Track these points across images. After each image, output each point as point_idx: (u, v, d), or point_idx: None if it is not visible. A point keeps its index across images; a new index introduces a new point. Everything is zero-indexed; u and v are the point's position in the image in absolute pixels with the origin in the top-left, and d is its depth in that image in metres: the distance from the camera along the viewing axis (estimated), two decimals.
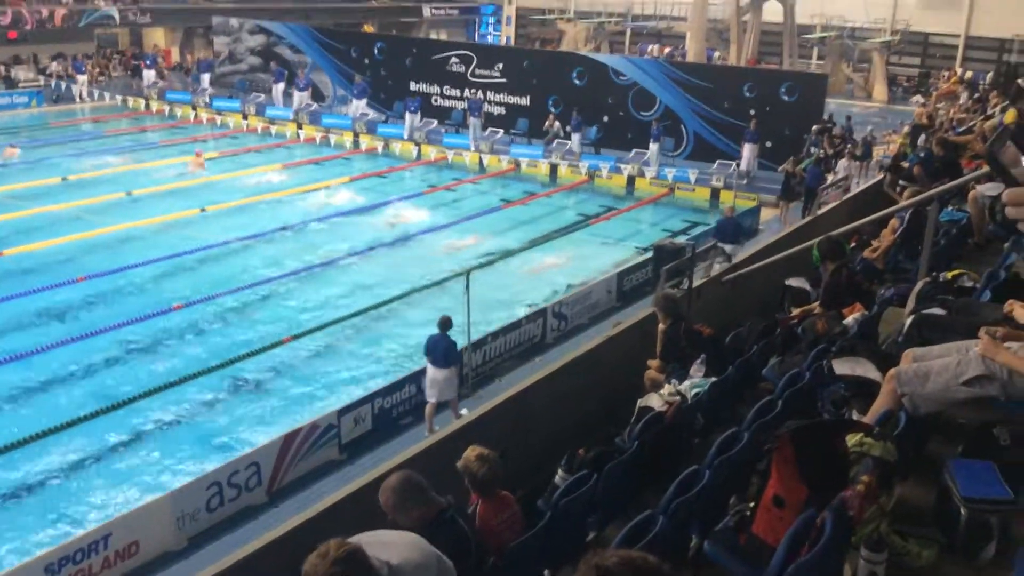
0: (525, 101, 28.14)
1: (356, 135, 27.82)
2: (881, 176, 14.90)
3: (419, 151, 26.62)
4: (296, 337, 13.47)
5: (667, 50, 45.47)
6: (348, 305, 14.86)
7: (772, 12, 39.27)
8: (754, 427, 4.93)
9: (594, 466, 5.23)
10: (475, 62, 28.83)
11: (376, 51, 30.91)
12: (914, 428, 4.33)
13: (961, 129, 17.30)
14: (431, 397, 10.83)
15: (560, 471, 5.58)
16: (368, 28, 44.10)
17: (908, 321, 5.32)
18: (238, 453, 9.81)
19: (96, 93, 31.70)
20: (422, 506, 3.98)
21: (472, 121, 27.03)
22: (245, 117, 29.47)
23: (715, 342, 7.51)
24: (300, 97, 29.77)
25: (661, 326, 7.60)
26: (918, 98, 37.99)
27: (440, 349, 10.66)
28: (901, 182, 11.99)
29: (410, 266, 16.95)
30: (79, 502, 9.53)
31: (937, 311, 5.32)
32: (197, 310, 14.41)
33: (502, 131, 27.63)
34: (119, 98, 31.40)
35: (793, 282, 8.77)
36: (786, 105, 24.53)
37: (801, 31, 40.46)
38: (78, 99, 31.49)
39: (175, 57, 38.90)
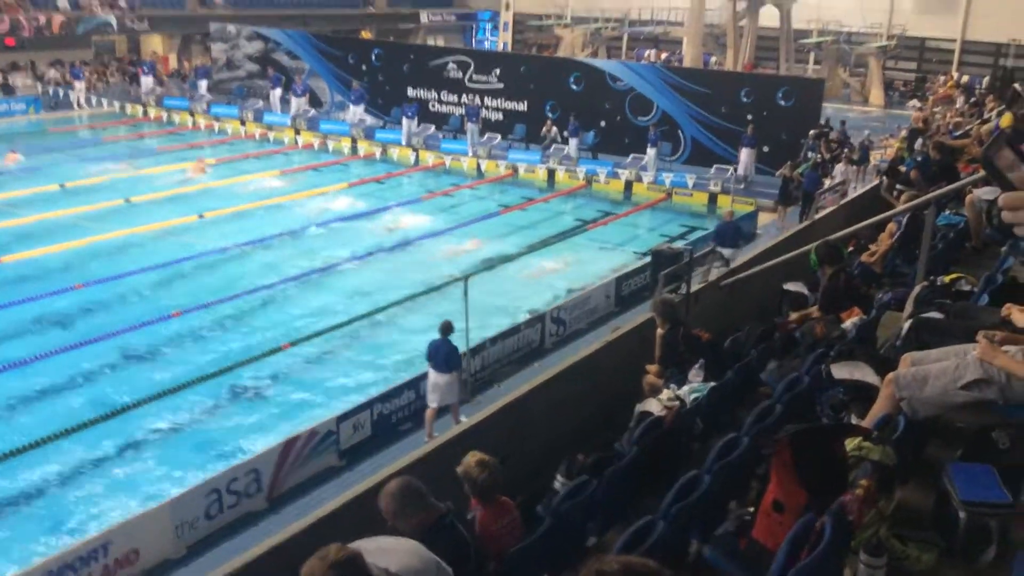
0: (522, 106, 28.18)
1: (354, 141, 27.83)
2: (878, 180, 14.93)
3: (417, 157, 26.65)
4: (295, 343, 13.46)
5: (664, 55, 45.57)
6: (347, 311, 14.86)
7: (769, 17, 39.37)
8: (753, 431, 4.93)
9: (593, 471, 5.23)
10: (472, 68, 28.88)
11: (373, 57, 30.97)
12: (913, 432, 4.34)
13: (958, 133, 17.34)
14: (432, 402, 10.83)
15: (559, 476, 5.58)
16: (366, 34, 44.20)
17: (906, 325, 5.33)
18: (237, 460, 9.80)
19: (94, 100, 31.73)
20: (422, 512, 3.98)
21: (470, 127, 27.07)
22: (243, 123, 29.51)
23: (714, 347, 7.52)
24: (298, 103, 29.81)
25: (659, 331, 7.61)
26: (915, 102, 38.10)
27: (442, 354, 10.68)
28: (898, 186, 12.01)
29: (409, 272, 16.95)
30: (78, 510, 9.50)
31: (935, 315, 5.32)
32: (196, 317, 14.40)
33: (500, 136, 27.66)
34: (117, 105, 31.44)
35: (791, 286, 8.79)
36: (783, 110, 24.58)
37: (798, 36, 40.55)
38: (76, 106, 31.49)
39: (173, 64, 38.90)
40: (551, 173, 25.04)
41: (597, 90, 26.81)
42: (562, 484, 5.39)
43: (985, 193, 7.74)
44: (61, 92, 31.88)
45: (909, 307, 5.90)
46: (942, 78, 39.75)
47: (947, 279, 6.60)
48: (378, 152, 27.38)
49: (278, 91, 30.62)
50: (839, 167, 21.53)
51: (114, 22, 36.13)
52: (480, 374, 12.46)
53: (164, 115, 30.72)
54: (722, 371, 6.77)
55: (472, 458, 4.60)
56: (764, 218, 20.99)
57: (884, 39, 41.69)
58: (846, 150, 23.28)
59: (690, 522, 4.30)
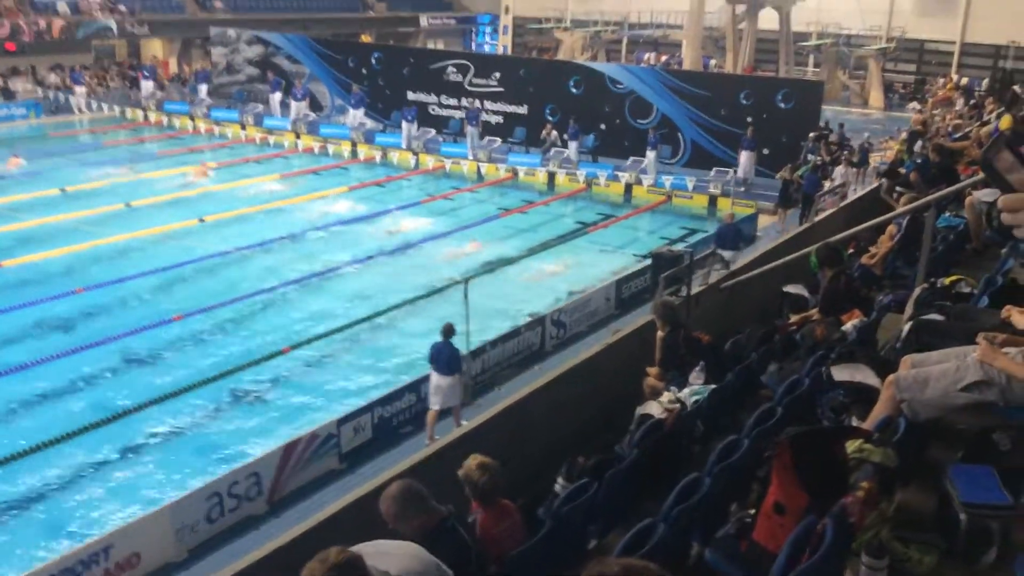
0: (522, 110, 28.22)
1: (354, 145, 27.84)
2: (878, 183, 14.94)
3: (417, 160, 26.66)
4: (296, 347, 13.47)
5: (663, 58, 45.60)
6: (347, 314, 14.86)
7: (768, 20, 39.39)
8: (754, 434, 4.93)
9: (594, 474, 5.23)
10: (472, 71, 28.91)
11: (373, 61, 31.00)
12: (913, 434, 4.34)
13: (957, 135, 17.38)
14: (434, 404, 10.85)
15: (560, 479, 5.58)
16: (365, 38, 44.27)
17: (906, 327, 5.33)
18: (238, 464, 9.80)
19: (94, 104, 31.74)
20: (423, 515, 3.98)
21: (469, 130, 27.09)
22: (243, 127, 29.50)
23: (714, 349, 7.53)
24: (298, 107, 29.81)
25: (660, 333, 7.61)
26: (914, 105, 38.13)
27: (444, 356, 10.71)
28: (898, 188, 12.03)
29: (409, 275, 16.96)
30: (79, 514, 9.50)
31: (935, 317, 5.33)
32: (196, 321, 14.40)
33: (499, 140, 27.69)
34: (117, 109, 31.45)
35: (791, 289, 8.79)
36: (783, 112, 24.60)
37: (797, 38, 40.57)
38: (76, 111, 31.50)
39: (173, 68, 38.95)
40: (551, 176, 25.06)
41: (597, 93, 26.84)
42: (563, 487, 5.39)
43: (985, 195, 7.76)
44: (62, 97, 31.92)
45: (909, 309, 5.91)
46: (941, 80, 39.77)
47: (947, 281, 6.60)
48: (378, 156, 27.40)
49: (278, 95, 30.63)
50: (839, 169, 21.54)
51: (114, 26, 36.17)
52: (481, 377, 12.46)
53: (164, 119, 30.73)
54: (723, 373, 6.77)
55: (473, 461, 4.60)
56: (764, 220, 21.00)
57: (883, 41, 41.73)
58: (846, 152, 23.30)
59: (691, 525, 4.30)
